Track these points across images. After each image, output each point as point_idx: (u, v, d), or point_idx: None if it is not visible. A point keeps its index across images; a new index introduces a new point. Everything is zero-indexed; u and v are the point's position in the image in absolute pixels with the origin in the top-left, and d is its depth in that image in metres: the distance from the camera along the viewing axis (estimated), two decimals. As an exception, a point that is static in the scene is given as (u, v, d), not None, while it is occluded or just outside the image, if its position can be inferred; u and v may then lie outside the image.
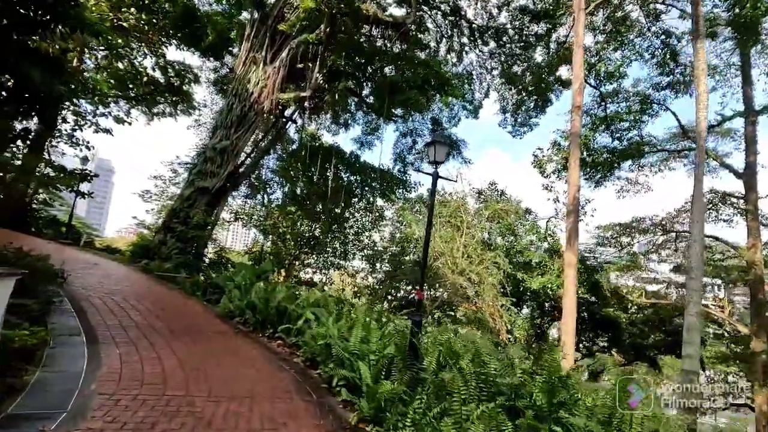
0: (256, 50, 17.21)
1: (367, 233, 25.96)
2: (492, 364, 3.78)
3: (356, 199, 26.31)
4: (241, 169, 17.99)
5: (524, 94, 23.55)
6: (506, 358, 4.21)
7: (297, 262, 24.90)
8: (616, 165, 19.03)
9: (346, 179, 27.06)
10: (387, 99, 20.36)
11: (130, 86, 25.41)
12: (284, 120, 19.68)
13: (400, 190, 25.79)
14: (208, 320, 8.42)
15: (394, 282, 23.68)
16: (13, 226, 16.47)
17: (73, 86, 19.74)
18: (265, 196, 28.16)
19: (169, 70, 23.81)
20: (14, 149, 18.12)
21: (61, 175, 19.22)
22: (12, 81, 5.88)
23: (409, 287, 24.49)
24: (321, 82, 18.03)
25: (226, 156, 16.12)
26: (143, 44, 20.26)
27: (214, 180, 15.87)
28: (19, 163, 17.87)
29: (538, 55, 22.97)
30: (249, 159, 19.48)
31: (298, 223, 23.25)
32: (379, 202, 25.88)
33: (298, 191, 28.95)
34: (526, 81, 23.08)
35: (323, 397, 4.85)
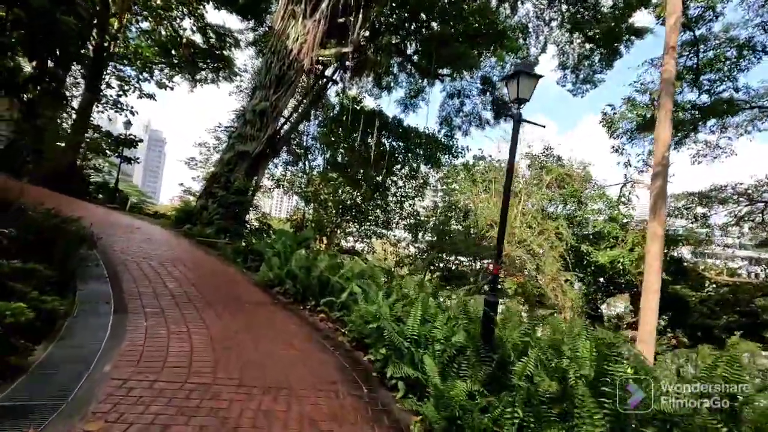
0: (295, 3, 16.00)
1: (410, 201, 24.91)
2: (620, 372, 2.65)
3: (399, 166, 25.17)
4: (281, 133, 17.26)
5: (589, 46, 20.93)
6: (637, 359, 3.10)
7: (338, 230, 24.43)
8: (700, 124, 16.48)
9: (388, 145, 25.90)
10: (434, 54, 18.67)
11: (173, 52, 25.24)
12: (324, 80, 18.56)
13: (446, 156, 24.26)
14: (246, 289, 7.83)
15: (438, 252, 22.74)
16: (66, 191, 16.84)
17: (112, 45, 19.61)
18: (306, 163, 27.64)
19: (209, 32, 23.11)
20: (63, 115, 18.42)
21: (108, 140, 19.55)
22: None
23: (453, 257, 23.51)
24: (363, 37, 16.64)
25: (265, 118, 15.36)
26: (182, 5, 19.58)
27: (254, 144, 15.23)
28: (68, 128, 18.20)
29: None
30: (288, 123, 18.71)
31: (340, 191, 22.54)
32: (424, 168, 24.58)
33: (339, 158, 28.22)
34: (591, 31, 20.40)
35: (375, 390, 3.98)
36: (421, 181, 23.94)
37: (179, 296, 6.36)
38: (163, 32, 26.10)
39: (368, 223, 23.60)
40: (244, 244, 12.39)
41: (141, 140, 19.72)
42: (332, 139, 27.33)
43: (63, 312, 4.69)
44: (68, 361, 3.59)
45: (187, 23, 21.78)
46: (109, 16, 18.10)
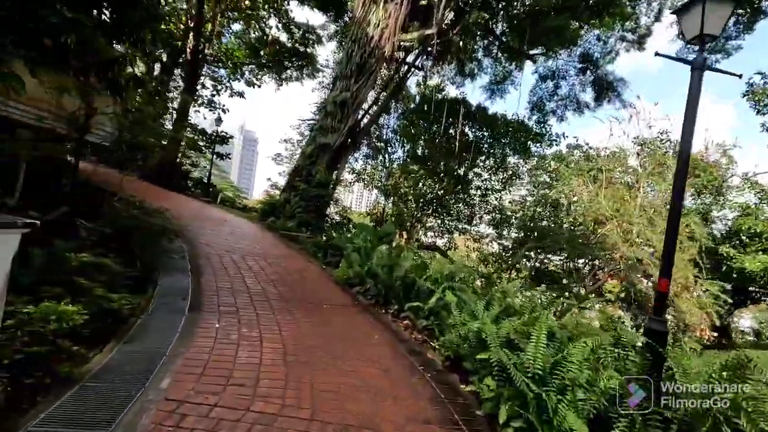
0: (375, -13, 15.33)
1: (495, 195, 23.14)
2: None
3: (483, 157, 23.51)
4: (361, 124, 16.81)
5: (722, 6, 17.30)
6: None
7: (418, 225, 23.57)
8: None
9: (472, 135, 24.35)
10: (527, 31, 16.80)
11: (261, 53, 26.33)
12: (407, 66, 17.67)
13: (539, 145, 22.06)
14: (325, 287, 7.27)
15: (527, 250, 20.74)
16: (167, 186, 18.18)
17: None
18: (386, 155, 27.16)
19: (293, 29, 23.52)
20: (166, 115, 19.94)
21: (202, 137, 20.82)
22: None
23: (541, 255, 21.35)
24: (448, 19, 15.44)
25: (346, 109, 14.96)
26: (267, 3, 20.04)
27: (335, 135, 14.92)
28: (169, 127, 19.66)
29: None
30: (368, 116, 18.18)
31: (420, 184, 21.61)
32: (512, 159, 22.62)
33: (420, 150, 27.25)
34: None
35: (484, 440, 3.00)
36: (510, 172, 22.03)
37: (256, 294, 5.94)
38: (252, 34, 27.45)
39: (450, 218, 22.37)
40: (324, 238, 12.07)
41: (231, 137, 20.70)
42: (412, 131, 26.50)
43: (137, 308, 4.42)
44: (126, 372, 3.14)
45: (273, 22, 22.30)
46: (204, 21, 19.13)
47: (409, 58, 17.83)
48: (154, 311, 4.59)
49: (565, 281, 20.73)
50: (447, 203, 21.95)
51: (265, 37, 26.34)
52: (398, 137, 27.88)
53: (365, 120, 17.56)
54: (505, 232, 23.78)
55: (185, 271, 6.37)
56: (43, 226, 3.83)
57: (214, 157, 21.00)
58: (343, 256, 9.46)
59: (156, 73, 22.09)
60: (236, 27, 25.95)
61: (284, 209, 14.33)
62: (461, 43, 20.40)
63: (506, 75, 25.11)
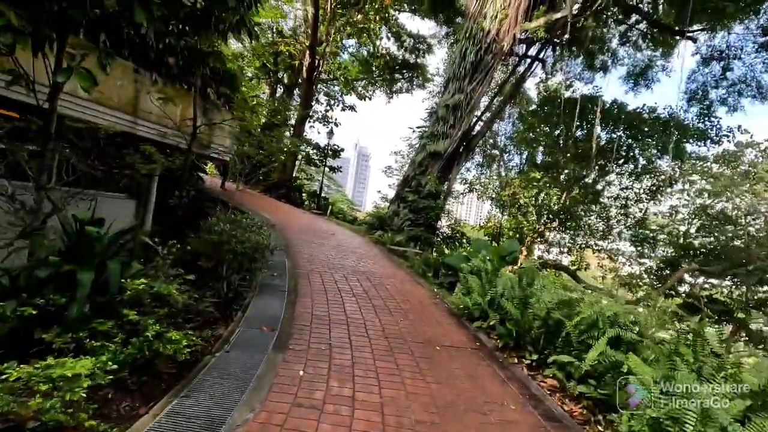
0: (492, -24, 13.82)
1: (638, 205, 19.26)
2: None
3: (622, 161, 19.84)
4: (475, 129, 15.26)
5: None
6: None
7: (540, 240, 20.80)
8: None
9: (605, 137, 20.92)
10: (690, 2, 13.47)
11: (373, 68, 26.65)
12: (528, 60, 15.62)
13: (699, 144, 17.78)
14: (437, 319, 5.94)
15: (678, 272, 16.58)
16: (284, 198, 18.94)
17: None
18: (501, 163, 24.93)
19: (403, 36, 23.08)
20: (285, 132, 21.01)
21: (317, 151, 21.46)
22: None
23: (700, 279, 16.90)
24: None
25: (459, 113, 13.62)
26: (377, 14, 19.91)
27: (447, 142, 13.66)
28: (287, 141, 20.65)
29: None
30: (481, 121, 16.50)
31: (543, 193, 19.01)
32: (662, 163, 18.62)
33: (540, 157, 24.50)
34: None
35: None
36: (661, 178, 18.11)
37: (355, 326, 4.91)
38: (364, 51, 28.03)
39: (579, 232, 19.22)
40: (435, 254, 10.82)
41: (343, 149, 20.94)
42: (531, 135, 23.89)
43: (216, 340, 3.68)
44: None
45: (384, 32, 22.18)
46: (320, 40, 19.77)
47: (532, 51, 15.75)
48: (234, 347, 3.80)
49: (741, 314, 16.19)
50: (576, 215, 18.89)
51: (376, 52, 26.64)
52: (514, 144, 25.54)
53: (479, 125, 15.95)
54: (651, 250, 19.74)
55: (281, 293, 5.67)
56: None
57: (328, 170, 21.53)
58: (459, 279, 8.07)
59: (279, 93, 23.77)
60: (349, 42, 26.82)
61: (392, 222, 13.48)
62: (592, 30, 17.57)
63: (649, 63, 21.10)
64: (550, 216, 17.93)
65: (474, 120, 14.82)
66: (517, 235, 18.93)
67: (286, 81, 23.28)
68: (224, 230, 4.69)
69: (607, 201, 19.57)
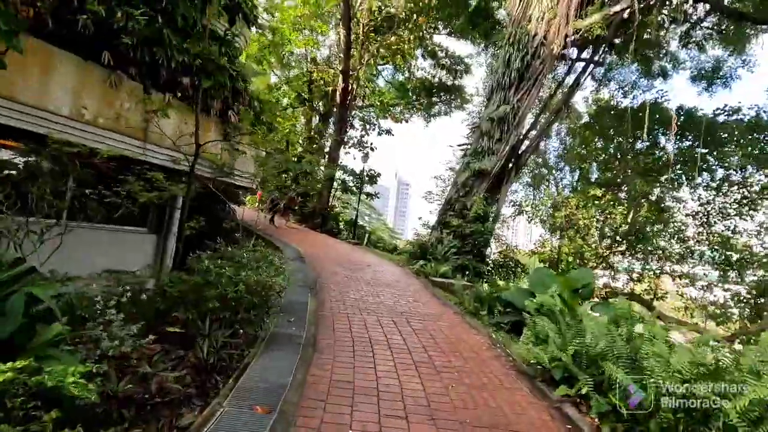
0: (536, -24, 12.62)
1: (725, 221, 16.58)
2: None
3: (695, 173, 17.39)
4: (524, 143, 13.70)
5: None
6: None
7: (603, 265, 18.38)
8: None
9: (671, 147, 18.70)
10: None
11: (409, 92, 25.94)
12: (584, 62, 14.00)
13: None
14: (503, 383, 4.38)
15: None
16: (320, 228, 18.02)
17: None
18: (552, 182, 22.90)
19: (439, 54, 22.14)
20: (318, 159, 20.38)
21: (353, 177, 20.60)
22: None
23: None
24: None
25: (506, 125, 12.19)
26: (412, 34, 19.18)
27: (494, 159, 12.21)
28: (323, 169, 19.95)
29: None
30: (527, 138, 14.86)
31: (606, 212, 16.83)
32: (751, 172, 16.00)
33: (596, 173, 22.37)
34: None
35: None
36: (753, 189, 15.53)
37: (389, 401, 3.49)
38: (400, 77, 27.48)
39: (653, 255, 16.73)
40: (487, 287, 9.19)
41: (380, 174, 19.91)
42: (584, 151, 21.85)
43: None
44: None
45: (419, 52, 21.43)
46: (353, 67, 19.27)
47: (585, 54, 14.16)
48: (225, 420, 2.53)
49: None
50: (645, 236, 16.45)
51: (412, 75, 25.97)
52: (565, 161, 23.59)
53: (527, 140, 14.34)
54: (734, 274, 16.87)
55: (294, 346, 4.37)
56: None
57: (366, 197, 20.55)
58: (521, 319, 6.49)
59: (314, 121, 23.46)
60: (384, 69, 26.37)
61: (435, 250, 12.01)
62: (649, 31, 15.76)
63: (716, 66, 18.84)
64: (617, 238, 15.67)
65: (522, 133, 13.28)
66: (577, 261, 16.74)
67: (321, 109, 22.98)
68: (210, 268, 3.52)
69: (683, 218, 17.02)
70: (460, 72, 26.15)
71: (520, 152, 13.19)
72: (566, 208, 17.42)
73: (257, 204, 22.80)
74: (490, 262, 12.29)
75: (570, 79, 15.87)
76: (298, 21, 18.36)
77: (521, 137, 13.16)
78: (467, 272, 11.36)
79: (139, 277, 5.25)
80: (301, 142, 22.25)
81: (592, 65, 13.78)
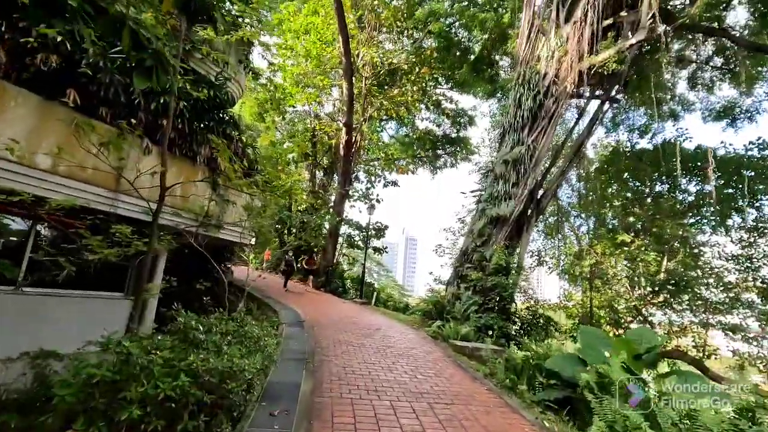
0: (540, 17, 12.34)
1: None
2: None
3: (732, 212, 16.15)
4: (543, 185, 12.69)
5: None
6: None
7: (638, 318, 16.49)
8: None
9: (694, 188, 17.79)
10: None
11: (414, 146, 25.71)
12: (602, 99, 13.30)
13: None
14: None
15: None
16: (323, 287, 16.62)
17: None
18: (569, 230, 21.64)
19: (443, 103, 21.94)
20: (318, 212, 19.45)
21: (359, 231, 19.52)
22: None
23: None
24: (653, 23, 11.07)
25: (522, 167, 11.26)
26: (414, 85, 19.04)
27: (512, 204, 11.12)
28: (327, 225, 18.92)
29: None
30: (547, 181, 13.92)
31: (636, 260, 15.31)
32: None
33: (614, 220, 21.25)
34: None
35: None
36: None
37: None
38: (403, 132, 27.44)
39: (697, 306, 14.94)
40: (520, 352, 7.66)
41: (387, 227, 18.83)
42: (595, 196, 20.86)
43: None
44: None
45: (423, 104, 21.27)
46: (358, 120, 19.00)
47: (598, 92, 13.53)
48: None
49: None
50: (687, 284, 14.78)
51: (416, 127, 25.87)
52: (579, 207, 22.53)
53: (544, 184, 13.34)
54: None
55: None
56: None
57: (374, 252, 19.34)
58: (572, 395, 5.05)
59: (319, 177, 22.93)
60: (389, 126, 26.36)
61: (453, 308, 10.57)
62: (655, 74, 15.39)
63: (730, 106, 18.32)
64: (654, 288, 14.06)
65: (540, 176, 12.30)
66: (610, 316, 14.99)
67: (324, 163, 22.55)
68: (132, 353, 2.29)
69: (724, 263, 15.42)
70: (464, 124, 26.09)
71: (539, 197, 12.11)
72: (591, 256, 15.97)
73: (264, 265, 21.60)
74: (516, 319, 10.74)
75: (582, 123, 15.25)
76: (300, 79, 18.37)
77: (539, 180, 12.16)
78: (491, 333, 9.82)
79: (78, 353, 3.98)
80: (305, 197, 21.52)
81: (607, 103, 13.08)
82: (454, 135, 26.67)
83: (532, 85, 11.59)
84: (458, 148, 27.24)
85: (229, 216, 8.36)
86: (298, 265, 17.38)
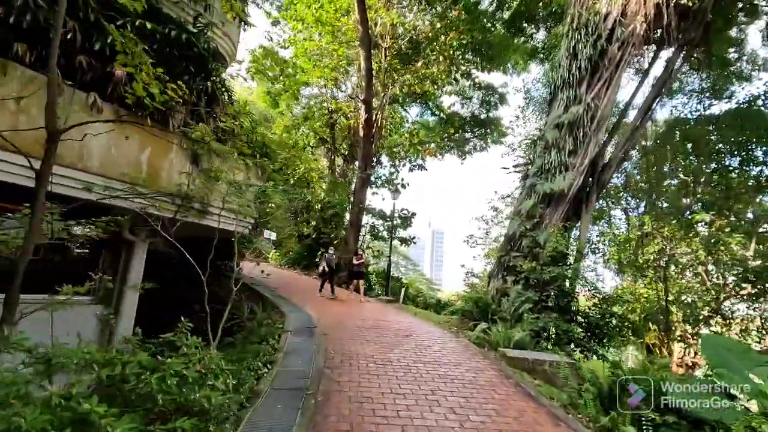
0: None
1: None
2: None
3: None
4: (605, 154, 10.43)
5: None
6: None
7: (716, 317, 13.87)
8: None
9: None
10: None
11: (442, 132, 23.69)
12: (680, 44, 10.77)
13: None
14: None
15: None
16: (345, 284, 14.89)
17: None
18: (627, 211, 19.09)
19: (474, 70, 19.63)
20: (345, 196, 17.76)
21: (383, 221, 17.69)
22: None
23: None
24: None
25: (581, 131, 9.07)
26: (440, 55, 16.85)
27: (569, 176, 8.97)
28: (347, 216, 17.20)
29: None
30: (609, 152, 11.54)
31: (716, 244, 12.73)
32: None
33: (662, 202, 18.71)
34: None
35: None
36: None
37: None
38: (430, 115, 25.35)
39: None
40: (606, 368, 5.61)
41: (414, 213, 16.91)
42: (656, 170, 18.25)
43: None
44: None
45: (452, 84, 19.14)
46: (378, 96, 17.13)
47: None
48: None
49: None
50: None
51: (442, 111, 23.81)
52: (632, 187, 19.97)
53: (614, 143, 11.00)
54: None
55: None
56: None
57: (400, 243, 17.46)
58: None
59: (339, 165, 21.24)
60: (412, 107, 24.34)
61: (500, 307, 8.55)
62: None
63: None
64: (748, 276, 11.53)
65: (603, 141, 10.02)
66: (689, 314, 12.52)
67: (344, 150, 20.80)
68: None
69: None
70: (493, 103, 23.86)
71: (604, 165, 9.87)
72: (656, 240, 13.44)
73: (284, 260, 19.94)
74: (581, 319, 8.61)
75: (646, 87, 12.69)
76: (314, 54, 16.64)
77: (601, 146, 9.90)
78: (550, 337, 7.79)
79: None
80: (324, 186, 19.85)
81: (681, 56, 10.59)
82: (483, 116, 24.44)
83: (590, 29, 9.35)
84: (488, 130, 25.01)
85: (230, 202, 6.58)
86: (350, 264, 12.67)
